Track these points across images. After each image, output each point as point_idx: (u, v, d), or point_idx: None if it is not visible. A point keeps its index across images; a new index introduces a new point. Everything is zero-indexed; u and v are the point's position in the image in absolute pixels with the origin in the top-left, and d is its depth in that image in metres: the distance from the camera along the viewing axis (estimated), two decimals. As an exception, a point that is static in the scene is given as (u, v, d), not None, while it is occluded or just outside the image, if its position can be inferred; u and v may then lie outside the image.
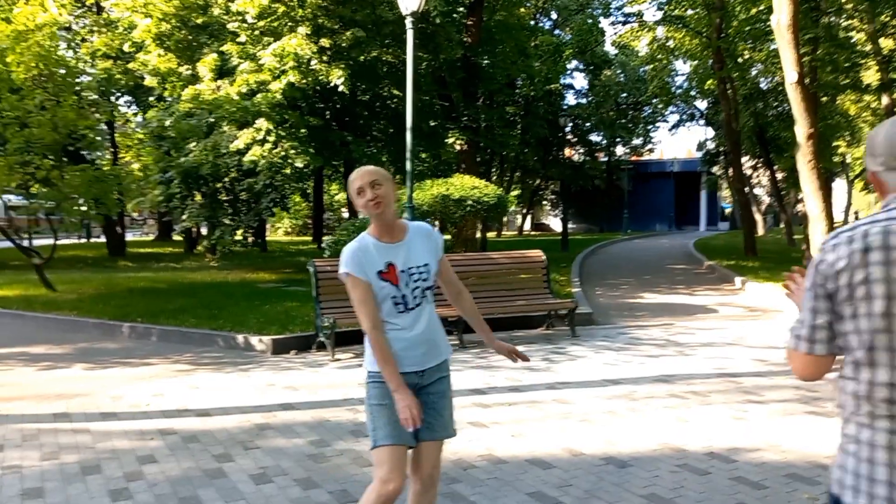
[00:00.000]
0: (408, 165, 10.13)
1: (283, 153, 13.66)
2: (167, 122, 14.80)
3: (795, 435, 4.88)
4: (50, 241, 14.82)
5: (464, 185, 11.93)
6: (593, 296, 13.06)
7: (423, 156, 21.92)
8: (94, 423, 5.46)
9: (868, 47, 22.72)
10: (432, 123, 18.11)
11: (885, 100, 24.74)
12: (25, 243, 14.75)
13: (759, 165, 35.23)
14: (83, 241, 33.76)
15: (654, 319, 10.41)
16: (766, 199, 44.36)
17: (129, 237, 31.57)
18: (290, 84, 13.06)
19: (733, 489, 4.00)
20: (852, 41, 22.44)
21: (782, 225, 33.57)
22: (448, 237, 12.85)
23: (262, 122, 13.65)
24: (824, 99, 25.49)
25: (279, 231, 44.95)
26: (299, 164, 13.98)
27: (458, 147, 19.46)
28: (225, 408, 5.84)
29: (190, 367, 7.45)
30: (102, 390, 6.48)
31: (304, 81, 13.30)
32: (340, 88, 13.44)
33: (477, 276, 9.47)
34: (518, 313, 9.35)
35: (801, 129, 12.85)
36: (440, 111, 18.57)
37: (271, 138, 13.56)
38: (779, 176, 31.15)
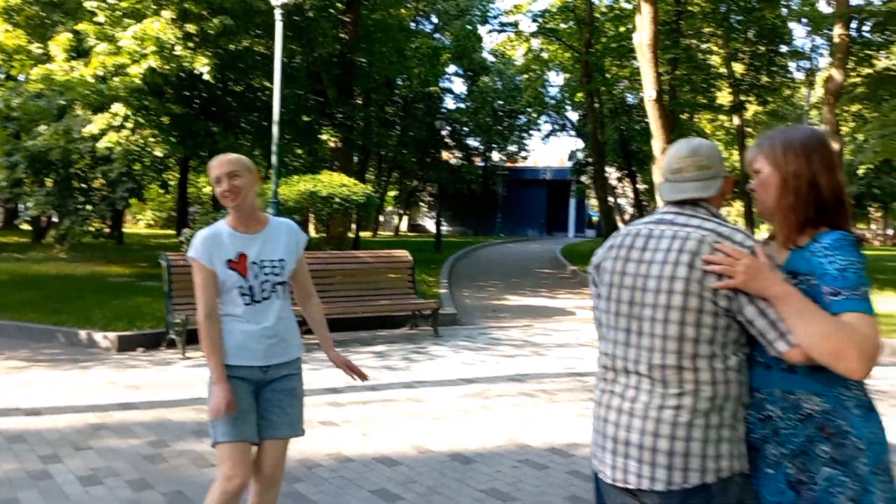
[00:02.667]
0: (273, 159, 9.90)
1: (141, 141, 12.97)
2: (14, 103, 13.70)
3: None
4: None
5: (332, 182, 11.79)
6: (460, 297, 13.25)
7: (299, 152, 21.52)
8: None
9: (722, 70, 24.46)
10: (306, 119, 17.79)
11: (736, 120, 26.74)
12: None
13: (624, 177, 37.10)
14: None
15: (515, 321, 10.68)
16: (630, 209, 46.71)
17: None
18: (150, 69, 12.43)
19: (568, 482, 4.14)
20: (708, 63, 24.08)
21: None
22: (317, 235, 12.66)
23: (119, 107, 12.89)
24: (683, 116, 27.21)
25: (140, 223, 42.74)
26: (159, 153, 13.34)
27: (332, 144, 19.22)
28: (57, 406, 5.46)
29: (24, 364, 6.92)
30: (-85, 389, 5.89)
31: (167, 67, 12.69)
32: (206, 77, 12.92)
33: (343, 274, 9.37)
34: (382, 313, 9.32)
35: (658, 144, 13.63)
36: (315, 106, 18.27)
37: (129, 125, 12.84)
38: (641, 187, 32.93)
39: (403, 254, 9.86)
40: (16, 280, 12.52)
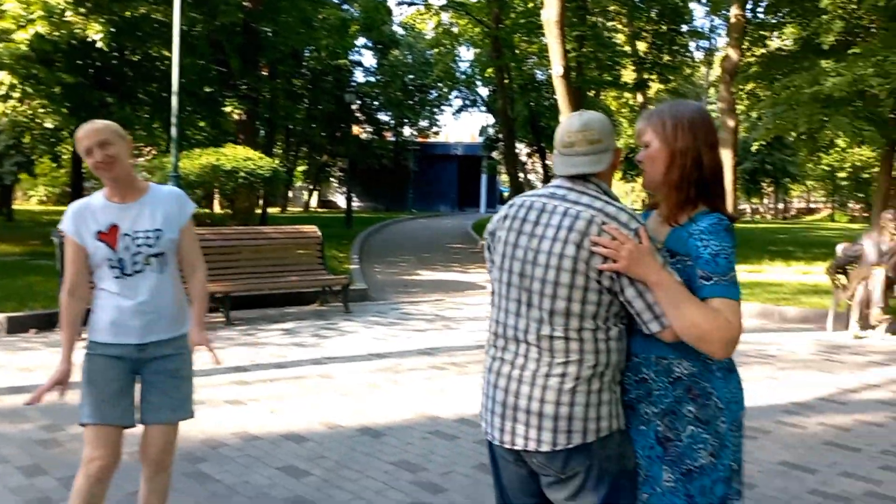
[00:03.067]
0: (173, 131, 9.49)
1: (30, 112, 12.17)
2: None
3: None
4: None
5: (237, 155, 11.41)
6: (371, 273, 13.18)
7: (202, 124, 20.75)
8: None
9: (627, 48, 25.08)
10: (208, 90, 17.14)
11: (640, 97, 27.52)
12: None
13: (534, 152, 37.63)
14: None
15: (427, 296, 10.72)
16: (539, 185, 47.53)
17: None
18: (38, 35, 11.63)
19: (478, 451, 4.20)
20: (613, 41, 24.64)
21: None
22: (221, 211, 12.28)
23: (3, 76, 12.03)
24: (590, 93, 27.77)
25: (32, 199, 40.41)
26: (49, 124, 12.55)
27: (236, 117, 18.62)
28: (-63, 395, 5.11)
29: None
30: None
31: (56, 34, 11.92)
32: (99, 44, 12.22)
33: (249, 250, 9.13)
34: (291, 289, 9.17)
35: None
36: (217, 77, 17.62)
37: (16, 94, 12.02)
38: (550, 163, 33.51)
39: (312, 229, 9.70)
40: None
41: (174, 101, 9.37)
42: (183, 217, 2.75)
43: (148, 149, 21.14)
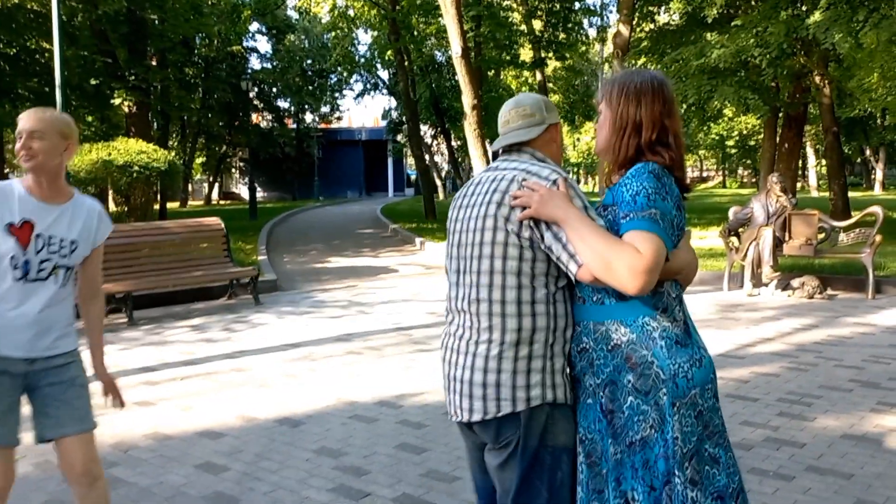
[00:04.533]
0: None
1: None
2: None
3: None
4: None
5: (129, 149, 10.92)
6: (280, 263, 12.95)
7: (90, 119, 19.76)
8: None
9: (523, 27, 25.40)
10: (94, 82, 16.30)
11: (538, 75, 27.99)
12: None
13: (438, 134, 37.74)
14: None
15: (339, 282, 10.63)
16: (446, 167, 47.76)
17: None
18: None
19: (398, 431, 4.22)
20: (510, 21, 24.89)
21: (459, 189, 36.43)
22: (116, 208, 11.74)
23: None
24: (490, 73, 28.03)
25: None
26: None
27: (127, 109, 17.80)
28: None
29: None
30: None
31: (-80, 25, 11.06)
32: (-30, 36, 11.42)
33: (150, 247, 8.78)
34: (197, 285, 8.90)
35: (467, 100, 13.94)
36: (103, 69, 16.77)
37: None
38: (455, 144, 33.71)
39: (215, 221, 9.42)
40: None
41: (58, 95, 8.86)
42: (99, 236, 2.62)
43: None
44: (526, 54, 27.72)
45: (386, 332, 6.99)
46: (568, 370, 1.95)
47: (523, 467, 1.87)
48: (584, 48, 29.43)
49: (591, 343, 1.89)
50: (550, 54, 26.36)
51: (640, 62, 17.11)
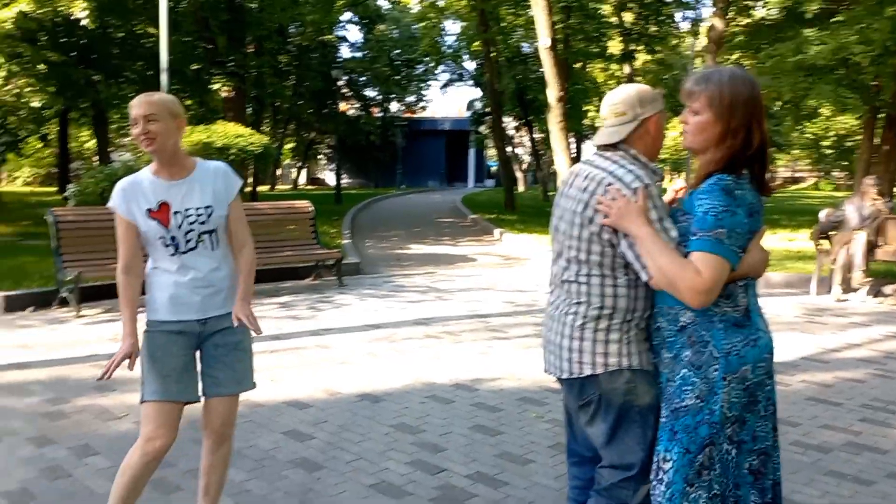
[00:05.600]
0: (164, 109, 9.48)
1: (16, 91, 12.12)
2: None
3: (531, 365, 5.38)
4: None
5: (227, 132, 11.43)
6: (363, 247, 13.28)
7: (189, 102, 20.63)
8: None
9: (613, 20, 25.01)
10: (195, 67, 17.05)
11: (626, 69, 27.51)
12: None
13: (521, 126, 37.59)
14: None
15: (418, 269, 10.84)
16: (527, 159, 47.55)
17: None
18: (22, 14, 11.54)
19: (473, 413, 4.36)
20: (600, 13, 24.55)
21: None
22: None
23: (-11, 55, 11.98)
24: (577, 65, 27.71)
25: (18, 181, 40.09)
26: (36, 103, 12.52)
27: (224, 94, 18.54)
28: (-58, 371, 5.20)
29: None
30: None
31: (41, 11, 11.83)
32: (84, 22, 12.14)
33: (241, 226, 9.19)
34: (285, 264, 9.26)
35: (553, 92, 13.91)
36: (203, 55, 17.52)
37: (2, 73, 11.95)
38: (538, 136, 33.52)
39: (305, 204, 9.77)
40: None
41: (163, 78, 9.37)
42: (230, 193, 2.75)
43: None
44: (615, 47, 27.27)
45: (463, 319, 7.13)
46: (647, 344, 2.18)
47: (610, 424, 2.17)
48: (675, 42, 28.72)
49: (664, 323, 2.12)
50: (640, 47, 25.85)
51: (733, 57, 16.63)
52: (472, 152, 47.90)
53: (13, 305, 7.33)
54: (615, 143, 2.19)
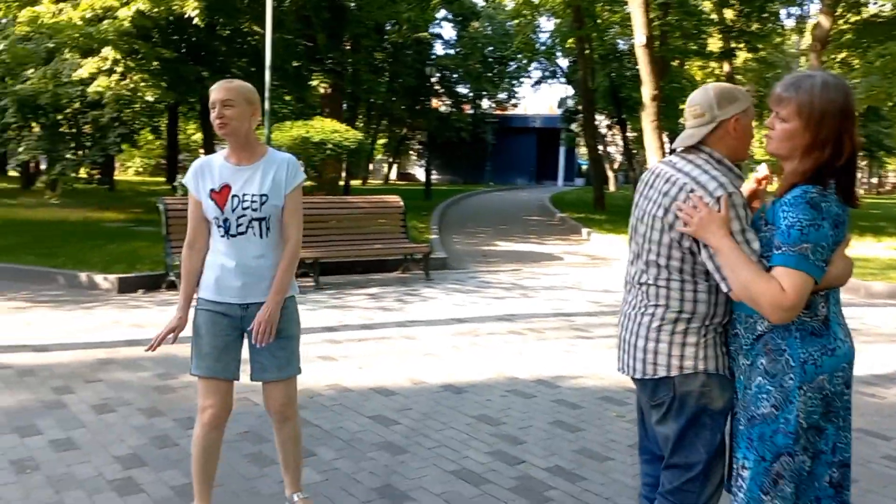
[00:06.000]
0: (266, 105, 9.93)
1: (131, 85, 12.92)
2: (1, 45, 13.57)
3: (614, 365, 5.39)
4: None
5: (324, 128, 11.85)
6: (450, 242, 13.47)
7: (288, 98, 21.34)
8: (-85, 359, 5.16)
9: (713, 16, 24.29)
10: (295, 64, 17.66)
11: (726, 67, 26.66)
12: None
13: (614, 124, 37.03)
14: None
15: (504, 265, 10.93)
16: (619, 158, 46.74)
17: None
18: (139, 12, 12.30)
19: (554, 409, 4.44)
20: (699, 9, 23.89)
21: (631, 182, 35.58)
22: (309, 182, 12.76)
23: (108, 51, 12.81)
24: (674, 63, 27.05)
25: (129, 171, 42.49)
26: (150, 97, 13.30)
27: (322, 90, 19.13)
28: (65, 343, 5.68)
29: (26, 305, 7.11)
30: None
31: (156, 10, 12.57)
32: (195, 20, 12.82)
33: (336, 219, 9.55)
34: (374, 256, 9.55)
35: (647, 90, 13.72)
36: (304, 52, 18.13)
37: (119, 69, 12.78)
38: (630, 135, 32.92)
39: (395, 199, 10.03)
40: (8, 225, 12.62)
41: (267, 75, 9.81)
42: (289, 185, 2.76)
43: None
44: (714, 44, 26.46)
45: (548, 317, 7.19)
46: (724, 348, 2.17)
47: (681, 426, 2.16)
48: (779, 39, 27.62)
49: (742, 330, 2.10)
50: (741, 45, 24.99)
51: (840, 56, 15.90)
52: (562, 150, 47.46)
53: (126, 287, 7.88)
54: (696, 144, 2.14)
